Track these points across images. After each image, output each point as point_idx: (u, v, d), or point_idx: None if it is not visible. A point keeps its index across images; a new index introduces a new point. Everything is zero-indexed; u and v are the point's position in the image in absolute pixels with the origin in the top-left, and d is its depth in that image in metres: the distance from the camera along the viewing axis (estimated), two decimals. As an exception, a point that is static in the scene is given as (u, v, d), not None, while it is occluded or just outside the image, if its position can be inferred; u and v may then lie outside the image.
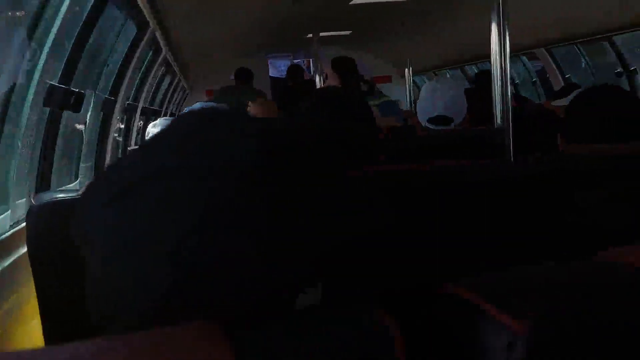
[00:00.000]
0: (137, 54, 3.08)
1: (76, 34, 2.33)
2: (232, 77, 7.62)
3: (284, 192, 0.53)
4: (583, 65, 7.46)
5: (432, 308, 0.52)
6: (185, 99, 9.24)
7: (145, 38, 3.08)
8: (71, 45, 2.31)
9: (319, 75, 6.38)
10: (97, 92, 2.94)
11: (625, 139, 1.71)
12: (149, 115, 4.85)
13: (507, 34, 2.62)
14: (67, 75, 2.29)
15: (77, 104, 2.23)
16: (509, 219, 1.20)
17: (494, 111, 2.71)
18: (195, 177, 0.54)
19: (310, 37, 6.43)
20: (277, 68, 9.52)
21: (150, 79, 4.18)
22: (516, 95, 5.42)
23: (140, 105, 4.11)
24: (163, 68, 5.15)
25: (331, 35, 7.40)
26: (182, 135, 0.58)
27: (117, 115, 3.05)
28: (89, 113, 2.91)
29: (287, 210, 0.52)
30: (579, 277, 0.47)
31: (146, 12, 2.83)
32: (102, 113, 2.96)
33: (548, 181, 1.32)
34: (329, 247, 0.53)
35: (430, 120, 2.56)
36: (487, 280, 0.49)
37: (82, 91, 2.32)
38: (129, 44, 3.07)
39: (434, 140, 2.49)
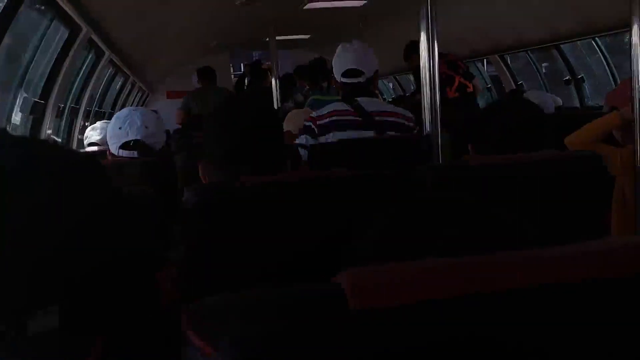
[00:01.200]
0: (69, 57, 3.04)
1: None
2: (195, 78, 7.61)
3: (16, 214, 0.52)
4: (544, 71, 7.60)
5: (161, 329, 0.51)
6: (146, 100, 9.16)
7: (79, 41, 3.03)
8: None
9: (275, 79, 6.38)
10: (24, 95, 2.89)
11: (526, 149, 1.74)
12: (98, 118, 4.81)
13: (435, 39, 2.61)
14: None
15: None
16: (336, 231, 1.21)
17: (423, 117, 2.70)
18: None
19: (267, 40, 6.44)
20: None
21: (93, 81, 4.12)
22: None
23: (83, 108, 4.05)
24: (111, 70, 5.10)
25: (290, 39, 7.40)
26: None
27: (49, 118, 3.01)
28: (16, 116, 2.86)
29: (20, 229, 0.51)
30: (285, 301, 0.47)
31: (76, 17, 2.79)
32: (31, 117, 2.91)
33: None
34: (71, 268, 0.52)
35: (343, 74, 2.60)
36: (204, 304, 0.49)
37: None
38: (61, 46, 3.02)
39: (355, 147, 2.48)
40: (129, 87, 6.60)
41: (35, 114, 2.90)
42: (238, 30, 6.62)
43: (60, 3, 2.56)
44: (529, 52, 5.91)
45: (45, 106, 2.96)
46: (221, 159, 1.40)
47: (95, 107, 4.95)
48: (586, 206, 1.57)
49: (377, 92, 2.69)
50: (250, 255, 1.43)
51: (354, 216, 1.44)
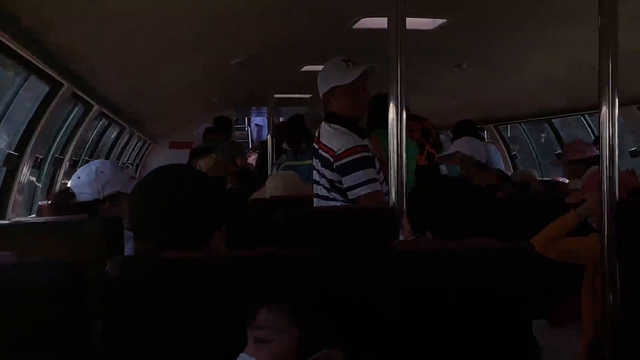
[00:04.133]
0: (49, 110, 3.06)
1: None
2: (201, 128, 7.67)
3: None
4: (542, 141, 7.61)
5: None
6: (147, 149, 9.23)
7: (59, 96, 3.06)
8: None
9: (271, 137, 6.41)
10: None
11: (458, 236, 1.72)
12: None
13: (404, 112, 2.55)
14: None
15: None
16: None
17: (389, 189, 2.62)
18: None
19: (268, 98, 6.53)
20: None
21: (80, 132, 4.15)
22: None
23: (67, 157, 4.07)
24: (104, 121, 5.15)
25: (291, 97, 7.49)
26: None
27: (23, 169, 3.01)
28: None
29: None
30: None
31: (54, 74, 2.82)
32: (5, 169, 2.92)
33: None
34: None
35: None
36: None
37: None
38: (41, 100, 3.05)
39: (324, 217, 2.43)
40: (127, 137, 6.67)
41: (9, 166, 2.92)
42: (237, 88, 6.73)
43: (36, 62, 2.59)
44: (522, 124, 5.95)
45: (20, 158, 2.98)
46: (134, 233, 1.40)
47: (85, 156, 4.99)
48: (513, 298, 1.54)
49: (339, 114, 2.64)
50: (164, 330, 1.40)
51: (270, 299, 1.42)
